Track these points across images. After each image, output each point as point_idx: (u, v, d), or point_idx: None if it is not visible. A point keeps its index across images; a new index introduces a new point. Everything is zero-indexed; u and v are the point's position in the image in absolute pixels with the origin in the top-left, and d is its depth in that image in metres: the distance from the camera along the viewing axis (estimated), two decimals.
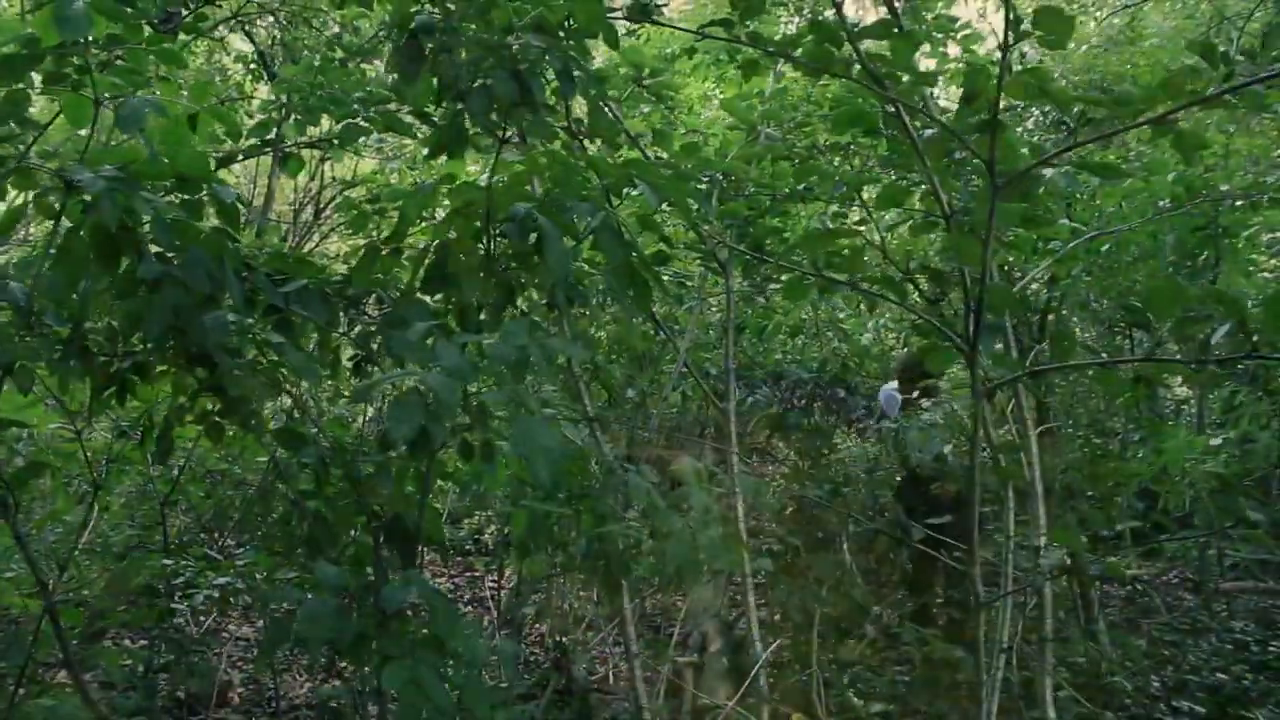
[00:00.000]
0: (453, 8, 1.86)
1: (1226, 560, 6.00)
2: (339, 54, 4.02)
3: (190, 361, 1.95)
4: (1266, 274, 5.52)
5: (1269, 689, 4.29)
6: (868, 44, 2.05)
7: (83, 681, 2.60)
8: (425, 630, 1.82)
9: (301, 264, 2.19)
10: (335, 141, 3.21)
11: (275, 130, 3.39)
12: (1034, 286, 5.31)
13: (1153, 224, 3.50)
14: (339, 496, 2.42)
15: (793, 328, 4.76)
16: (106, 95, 1.62)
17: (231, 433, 2.20)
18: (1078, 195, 4.06)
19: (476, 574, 6.72)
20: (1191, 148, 1.71)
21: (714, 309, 4.82)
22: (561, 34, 2.11)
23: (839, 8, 1.96)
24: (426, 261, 2.07)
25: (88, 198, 1.61)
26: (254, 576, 2.83)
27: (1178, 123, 1.68)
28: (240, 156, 2.88)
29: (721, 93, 5.35)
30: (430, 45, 1.75)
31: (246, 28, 5.91)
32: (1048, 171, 2.49)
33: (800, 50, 1.91)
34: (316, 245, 7.23)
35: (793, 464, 4.71)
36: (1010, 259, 4.29)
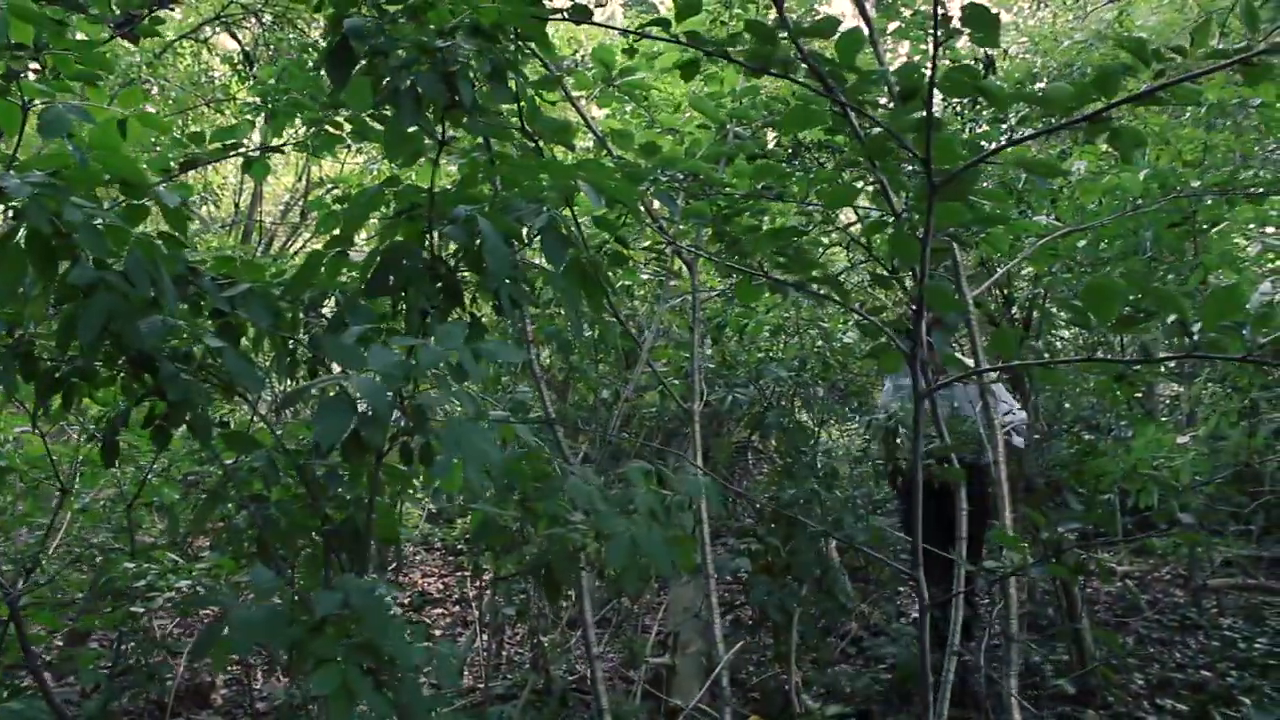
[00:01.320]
0: (390, 10, 1.86)
1: (1219, 558, 5.96)
2: (315, 56, 4.01)
3: (133, 366, 1.95)
4: (1257, 269, 5.49)
5: (1253, 686, 4.27)
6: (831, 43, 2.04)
7: (45, 684, 2.60)
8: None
9: (249, 267, 2.19)
10: (310, 145, 3.22)
11: (256, 132, 3.38)
12: (1022, 285, 5.29)
13: (1127, 220, 3.47)
14: (294, 500, 2.42)
15: (775, 326, 4.75)
16: (34, 100, 1.61)
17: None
18: (1061, 192, 4.04)
19: (468, 573, 6.74)
20: (1129, 145, 1.70)
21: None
22: (512, 38, 2.11)
23: (779, 6, 1.95)
24: (373, 265, 2.06)
25: (16, 204, 1.61)
26: (219, 579, 2.83)
27: (1112, 120, 1.66)
28: (205, 160, 2.87)
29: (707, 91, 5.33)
30: (364, 49, 1.74)
31: (232, 28, 5.92)
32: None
33: (739, 49, 1.90)
34: (304, 246, 7.24)
35: (776, 463, 4.70)
36: (996, 257, 4.27)
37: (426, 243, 2.08)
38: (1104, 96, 1.63)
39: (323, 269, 2.15)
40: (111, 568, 2.69)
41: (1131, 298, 1.74)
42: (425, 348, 1.67)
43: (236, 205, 7.62)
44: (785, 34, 1.88)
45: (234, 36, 6.08)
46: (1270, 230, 5.18)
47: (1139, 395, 6.52)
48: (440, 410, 1.92)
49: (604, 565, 2.09)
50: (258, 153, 3.03)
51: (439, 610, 6.36)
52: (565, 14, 1.94)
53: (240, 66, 6.01)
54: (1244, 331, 1.72)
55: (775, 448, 4.53)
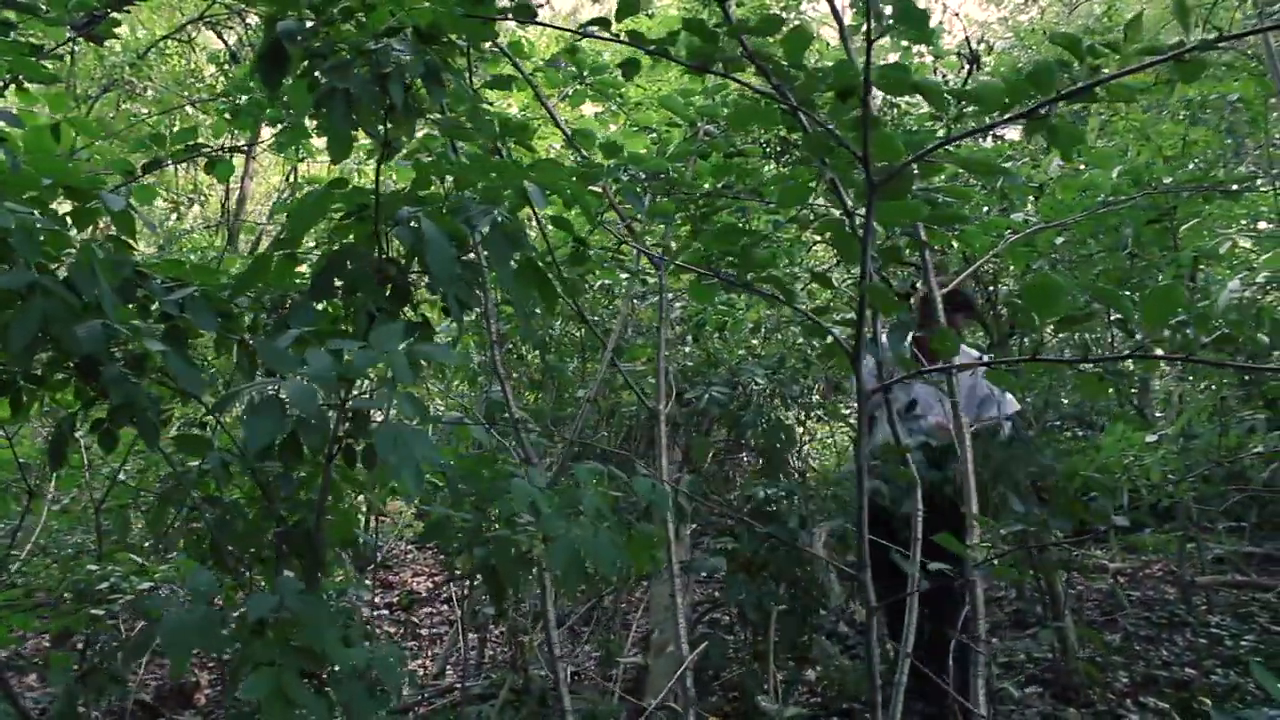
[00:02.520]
0: (327, 12, 1.85)
1: (1209, 554, 5.92)
2: None
3: (79, 370, 1.95)
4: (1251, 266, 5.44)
5: (1236, 684, 4.24)
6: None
7: (9, 686, 2.60)
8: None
9: (199, 270, 2.19)
10: (277, 144, 3.22)
11: (230, 134, 3.38)
12: (1007, 282, 5.25)
13: (1109, 216, 3.45)
14: (252, 503, 2.42)
15: (755, 323, 4.73)
16: None
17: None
18: (1042, 189, 4.01)
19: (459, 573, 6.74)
20: (1067, 143, 1.68)
21: (678, 306, 4.79)
22: (462, 40, 2.10)
23: (723, 4, 1.94)
24: (318, 268, 2.06)
25: None
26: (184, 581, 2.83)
27: (1049, 117, 1.64)
28: (167, 162, 2.87)
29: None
30: (298, 51, 1.73)
31: (218, 28, 5.92)
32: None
33: (681, 48, 1.89)
34: None
35: (754, 462, 4.68)
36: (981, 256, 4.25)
37: (379, 244, 2.08)
38: (1039, 93, 1.61)
39: (271, 270, 2.15)
40: (76, 569, 2.70)
41: (1078, 295, 1.73)
42: (360, 351, 1.66)
43: (223, 206, 7.64)
44: (726, 30, 1.87)
45: (219, 36, 6.08)
46: (1263, 226, 5.14)
47: (1134, 391, 6.49)
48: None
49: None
50: (224, 153, 3.03)
51: (428, 609, 6.36)
52: (508, 14, 1.93)
53: (226, 66, 6.00)
54: (1187, 330, 1.70)
55: (757, 446, 4.51)
